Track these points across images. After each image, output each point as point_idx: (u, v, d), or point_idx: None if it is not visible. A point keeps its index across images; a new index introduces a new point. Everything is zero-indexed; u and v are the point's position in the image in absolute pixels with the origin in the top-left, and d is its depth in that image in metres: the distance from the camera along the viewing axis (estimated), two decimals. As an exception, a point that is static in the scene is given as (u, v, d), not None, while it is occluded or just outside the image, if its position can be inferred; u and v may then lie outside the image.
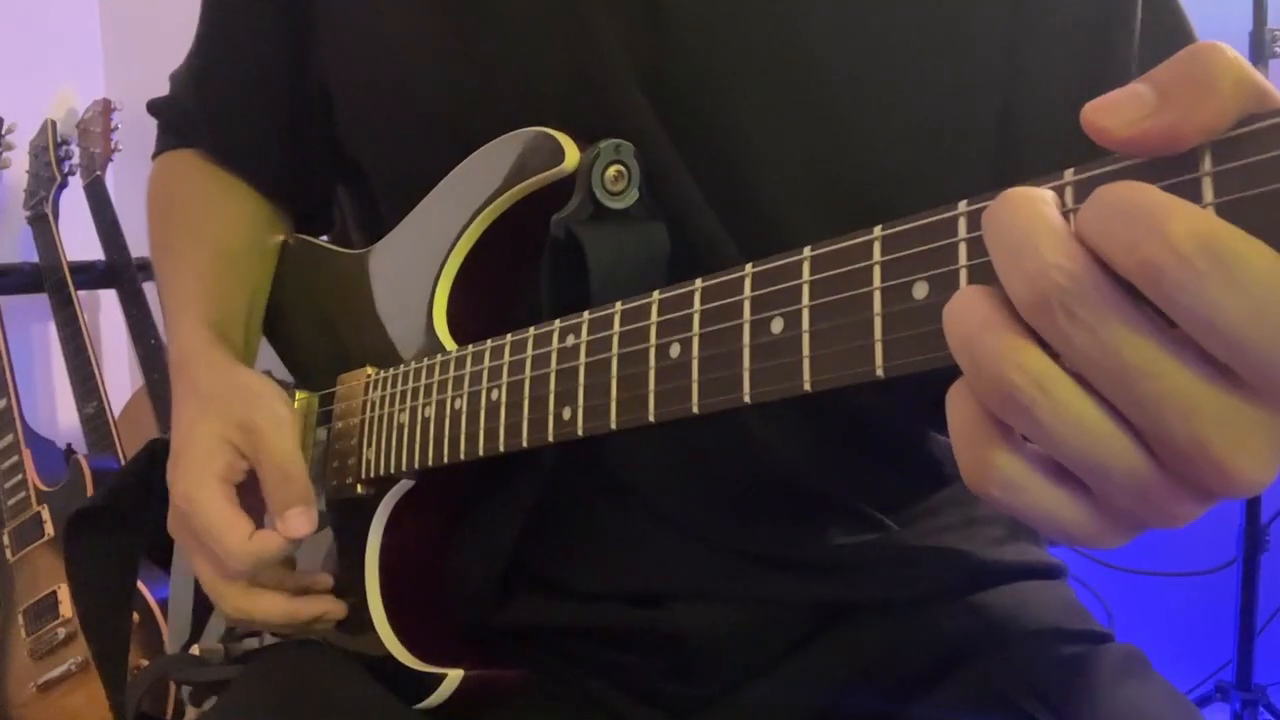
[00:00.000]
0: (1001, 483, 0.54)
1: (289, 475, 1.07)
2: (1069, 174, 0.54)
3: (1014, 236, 0.51)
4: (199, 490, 1.07)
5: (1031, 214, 0.51)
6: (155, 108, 1.43)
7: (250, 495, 1.09)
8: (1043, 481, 0.54)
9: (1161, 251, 0.46)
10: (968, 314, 0.53)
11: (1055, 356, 0.51)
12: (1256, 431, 0.49)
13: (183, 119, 1.40)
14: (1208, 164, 0.48)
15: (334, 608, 1.11)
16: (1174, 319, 0.48)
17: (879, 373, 0.63)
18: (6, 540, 2.92)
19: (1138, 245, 0.47)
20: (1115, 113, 0.50)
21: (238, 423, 1.09)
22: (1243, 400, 0.48)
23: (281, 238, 1.35)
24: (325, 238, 1.38)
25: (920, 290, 0.61)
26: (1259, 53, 2.60)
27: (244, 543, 1.05)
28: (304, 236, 1.35)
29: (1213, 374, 0.48)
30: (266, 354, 1.33)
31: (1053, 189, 0.54)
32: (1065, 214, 0.53)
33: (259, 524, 1.07)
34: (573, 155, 0.95)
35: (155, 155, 1.43)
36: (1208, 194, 0.48)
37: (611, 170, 0.95)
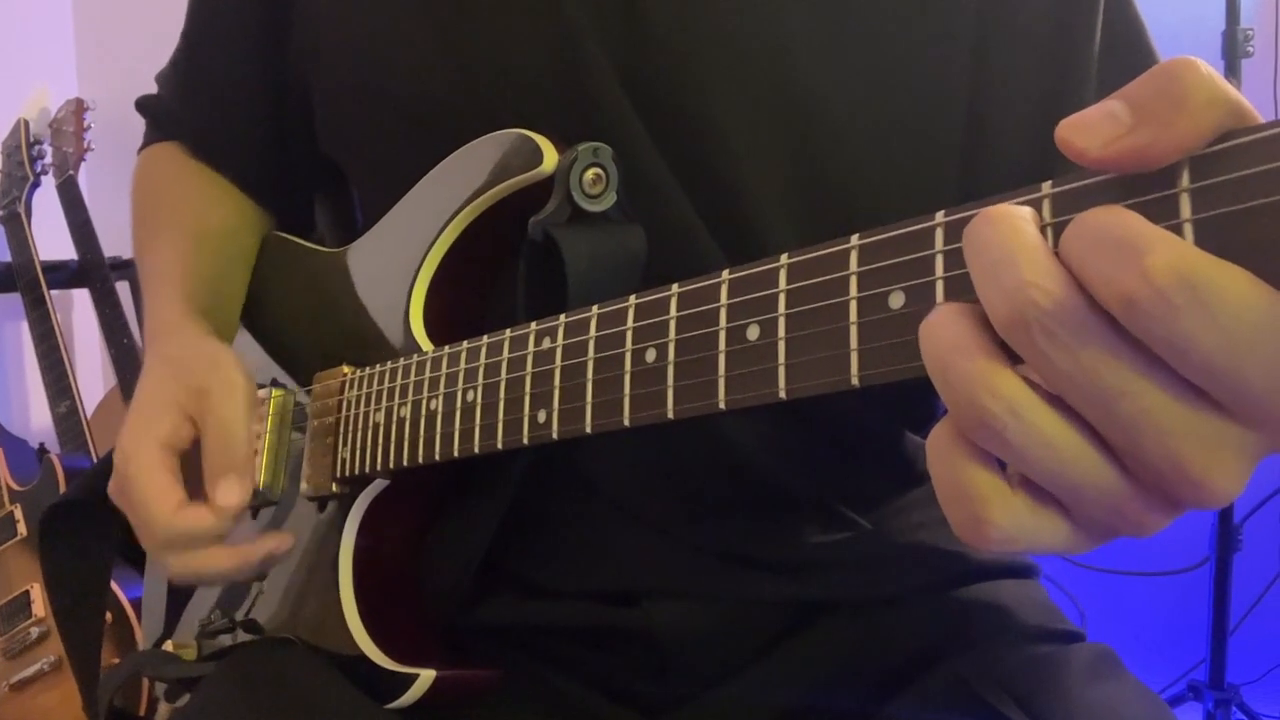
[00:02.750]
0: (1000, 520, 0.54)
1: (229, 442, 1.06)
2: (1047, 187, 0.54)
3: (993, 253, 0.51)
4: (137, 454, 1.06)
5: (1011, 231, 0.51)
6: (142, 105, 1.43)
7: (196, 465, 1.08)
8: (1036, 509, 0.54)
9: (1139, 285, 0.47)
10: (942, 336, 0.53)
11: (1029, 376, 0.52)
12: (1229, 446, 0.49)
13: (167, 117, 1.40)
14: (1185, 180, 0.49)
15: (279, 542, 1.10)
16: (1150, 346, 0.48)
17: (854, 381, 0.64)
18: (-22, 540, 2.91)
19: (1115, 277, 0.47)
20: (1090, 132, 0.50)
21: (189, 386, 1.08)
22: (1216, 418, 0.49)
23: (263, 230, 1.35)
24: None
25: (897, 300, 0.61)
26: (1232, 52, 2.61)
27: (168, 516, 1.04)
28: (282, 234, 1.35)
29: (1188, 394, 0.49)
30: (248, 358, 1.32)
31: (1030, 202, 0.54)
32: (1043, 228, 0.53)
33: (202, 495, 1.06)
34: (551, 158, 0.95)
35: (141, 149, 1.43)
36: (1185, 210, 0.48)
37: (590, 173, 0.95)
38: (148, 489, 1.05)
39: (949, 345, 0.53)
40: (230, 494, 1.04)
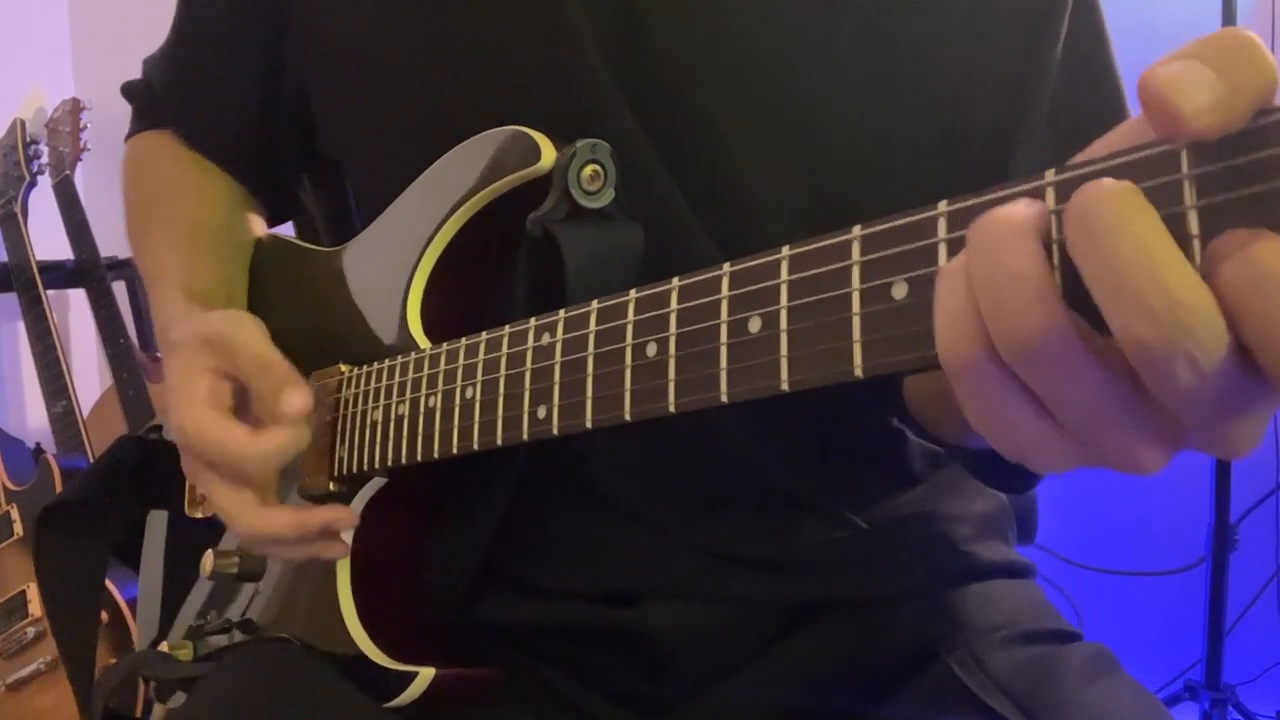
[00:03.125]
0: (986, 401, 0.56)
1: (267, 364, 1.04)
2: (1050, 174, 0.54)
3: (1145, 273, 0.48)
4: (189, 415, 1.04)
5: (1168, 254, 0.49)
6: (129, 91, 1.42)
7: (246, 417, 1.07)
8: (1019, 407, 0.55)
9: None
10: (1009, 259, 0.52)
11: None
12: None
13: (155, 103, 1.39)
14: (1185, 166, 0.49)
15: (343, 515, 1.07)
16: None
17: (858, 373, 0.63)
18: (-25, 540, 2.91)
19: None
20: (1187, 95, 0.47)
21: (205, 341, 1.07)
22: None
23: (253, 217, 1.35)
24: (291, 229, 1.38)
25: (900, 291, 0.61)
26: (1228, 53, 2.61)
27: (249, 444, 1.02)
28: (278, 234, 1.34)
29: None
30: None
31: (1033, 190, 0.54)
32: (1051, 214, 0.53)
33: None
34: (549, 154, 0.95)
35: (129, 137, 1.43)
36: (1189, 197, 0.48)
37: (588, 170, 0.95)
38: (217, 435, 1.03)
39: (1013, 278, 0.52)
40: (294, 400, 1.01)
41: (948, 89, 1.01)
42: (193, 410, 1.05)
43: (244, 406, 1.07)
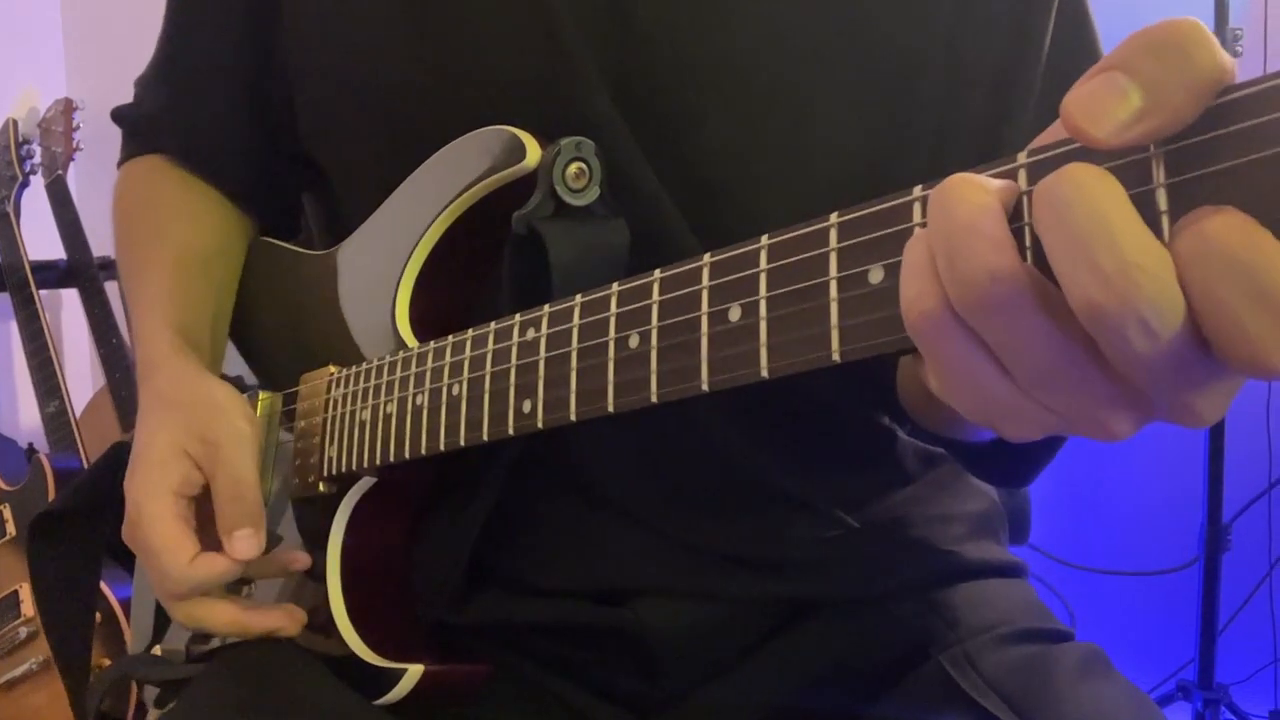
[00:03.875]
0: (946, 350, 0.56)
1: (242, 495, 1.07)
2: (1022, 157, 0.54)
3: (1079, 229, 0.49)
4: (149, 503, 1.07)
5: (1120, 211, 0.49)
6: (119, 115, 1.41)
7: (205, 511, 1.09)
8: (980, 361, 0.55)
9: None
10: (974, 227, 0.52)
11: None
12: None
13: (148, 124, 1.38)
14: (1153, 144, 0.49)
15: (287, 623, 1.10)
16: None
17: (835, 358, 0.64)
18: (-33, 540, 2.91)
19: (1253, 331, 0.46)
20: (1103, 116, 0.48)
21: (199, 436, 1.08)
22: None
23: (247, 242, 1.34)
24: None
25: (876, 275, 0.61)
26: (1221, 52, 2.62)
27: (184, 567, 1.04)
28: (267, 239, 1.34)
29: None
30: (234, 359, 1.32)
31: (1006, 172, 0.55)
32: (1023, 195, 0.53)
33: (211, 539, 1.07)
34: (534, 152, 0.95)
35: (121, 163, 1.42)
36: (1159, 175, 0.49)
37: (573, 167, 0.95)
38: (162, 540, 1.06)
39: (979, 246, 0.52)
40: (247, 549, 1.06)
41: (936, 85, 1.01)
42: (157, 491, 1.08)
43: (208, 500, 1.09)
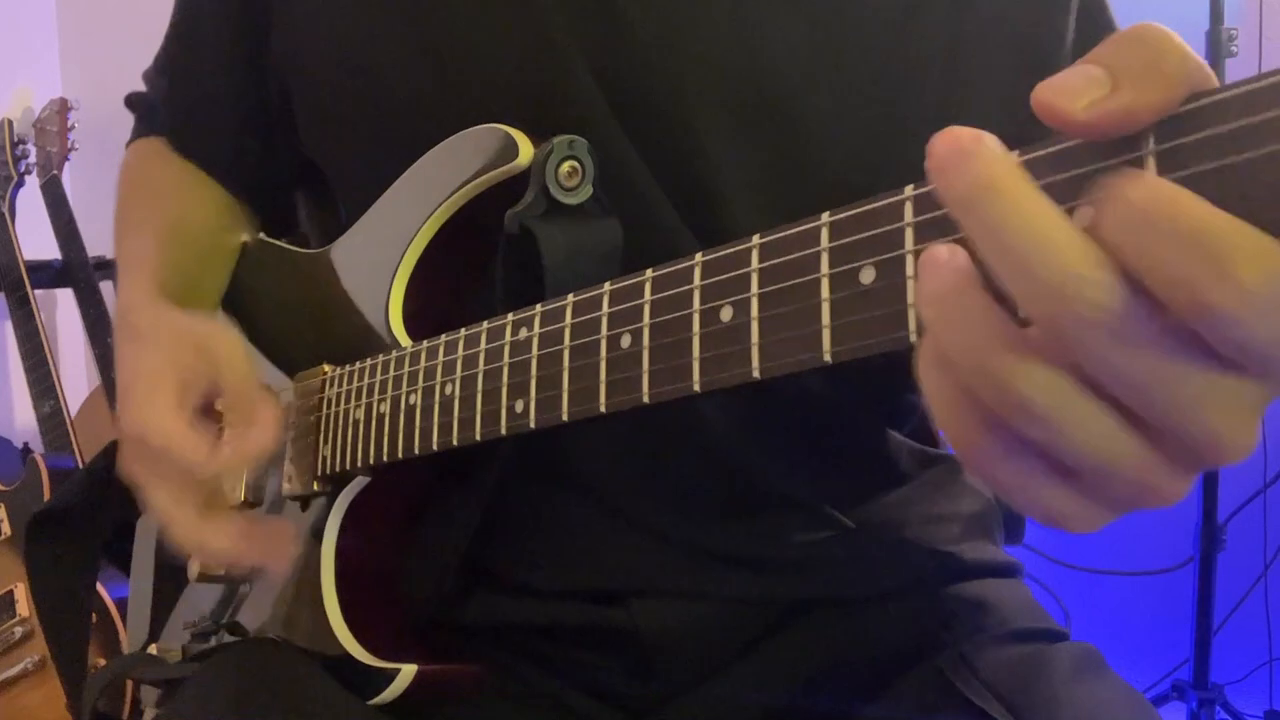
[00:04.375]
0: (1004, 475, 0.55)
1: (252, 388, 1.06)
2: (1015, 155, 0.54)
3: (1021, 241, 0.49)
4: (152, 412, 1.05)
5: (1034, 213, 0.49)
6: (131, 101, 1.44)
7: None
8: (1042, 477, 0.54)
9: (1226, 297, 0.45)
10: (969, 329, 0.52)
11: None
12: (1249, 405, 0.49)
13: (151, 111, 1.40)
14: (1151, 143, 0.49)
15: (285, 530, 1.10)
16: (1215, 348, 0.47)
17: (827, 358, 0.63)
18: (-37, 540, 2.91)
19: (1189, 282, 0.46)
20: (1071, 95, 0.49)
21: (193, 345, 1.08)
22: (1241, 381, 0.49)
23: (244, 228, 1.35)
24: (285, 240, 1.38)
25: (868, 275, 0.61)
26: (1216, 52, 2.63)
27: (205, 459, 1.02)
28: (262, 237, 1.34)
29: (1221, 367, 0.48)
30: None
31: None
32: None
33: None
34: (527, 151, 0.95)
35: (130, 142, 1.43)
36: (1151, 173, 0.48)
37: (565, 166, 0.95)
38: (177, 438, 1.03)
39: (980, 342, 0.51)
40: (270, 409, 1.04)
41: (935, 88, 1.01)
42: (155, 407, 1.05)
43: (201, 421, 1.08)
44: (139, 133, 1.44)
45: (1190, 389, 0.48)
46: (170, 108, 1.37)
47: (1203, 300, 0.45)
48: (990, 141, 0.51)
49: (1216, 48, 2.62)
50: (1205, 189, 0.47)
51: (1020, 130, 0.53)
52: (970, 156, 0.50)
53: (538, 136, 0.96)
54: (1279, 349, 0.46)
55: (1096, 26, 1.06)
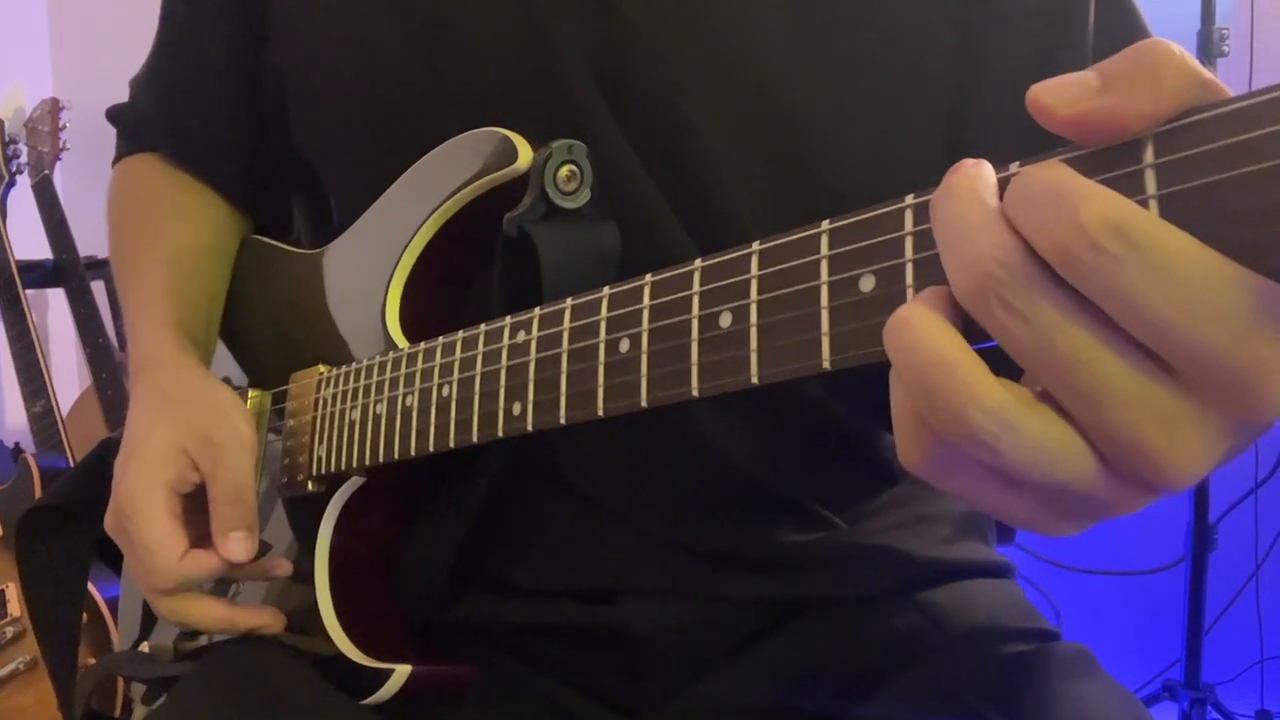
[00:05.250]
0: (958, 487, 0.55)
1: (240, 498, 1.07)
2: (1014, 166, 0.54)
3: (953, 226, 0.53)
4: (144, 495, 1.07)
5: (970, 202, 0.52)
6: (114, 114, 1.42)
7: (195, 507, 1.09)
8: (997, 488, 0.54)
9: (1074, 236, 0.47)
10: (919, 350, 0.53)
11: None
12: (1188, 423, 0.49)
13: (142, 122, 1.39)
14: (1149, 156, 0.49)
15: (271, 620, 1.11)
16: (1099, 305, 0.48)
17: (825, 365, 0.64)
18: (-46, 540, 2.90)
19: (1051, 230, 0.48)
20: (1059, 92, 0.51)
21: (200, 435, 1.09)
22: (1176, 394, 0.49)
23: (239, 240, 1.34)
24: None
25: (867, 283, 0.61)
26: (1207, 51, 2.63)
27: (174, 562, 1.05)
28: (259, 237, 1.34)
29: (1147, 365, 0.49)
30: (223, 358, 1.32)
31: (998, 182, 0.54)
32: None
33: (199, 535, 1.08)
34: (525, 155, 0.96)
35: (115, 162, 1.42)
36: (1150, 186, 0.49)
37: (564, 170, 0.95)
38: (155, 533, 1.06)
39: (927, 359, 0.52)
40: (240, 549, 1.06)
41: (937, 84, 1.01)
42: (152, 483, 1.08)
43: (197, 499, 1.10)
44: (127, 149, 1.43)
45: (1107, 376, 0.49)
46: (167, 120, 1.36)
47: (1062, 245, 0.48)
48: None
49: (1208, 47, 2.62)
50: (1194, 205, 0.47)
51: (1032, 129, 0.53)
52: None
53: (536, 139, 0.97)
54: (1163, 312, 0.47)
55: (1117, 17, 1.06)
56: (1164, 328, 0.47)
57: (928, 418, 0.53)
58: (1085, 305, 0.49)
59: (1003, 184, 0.54)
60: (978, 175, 0.53)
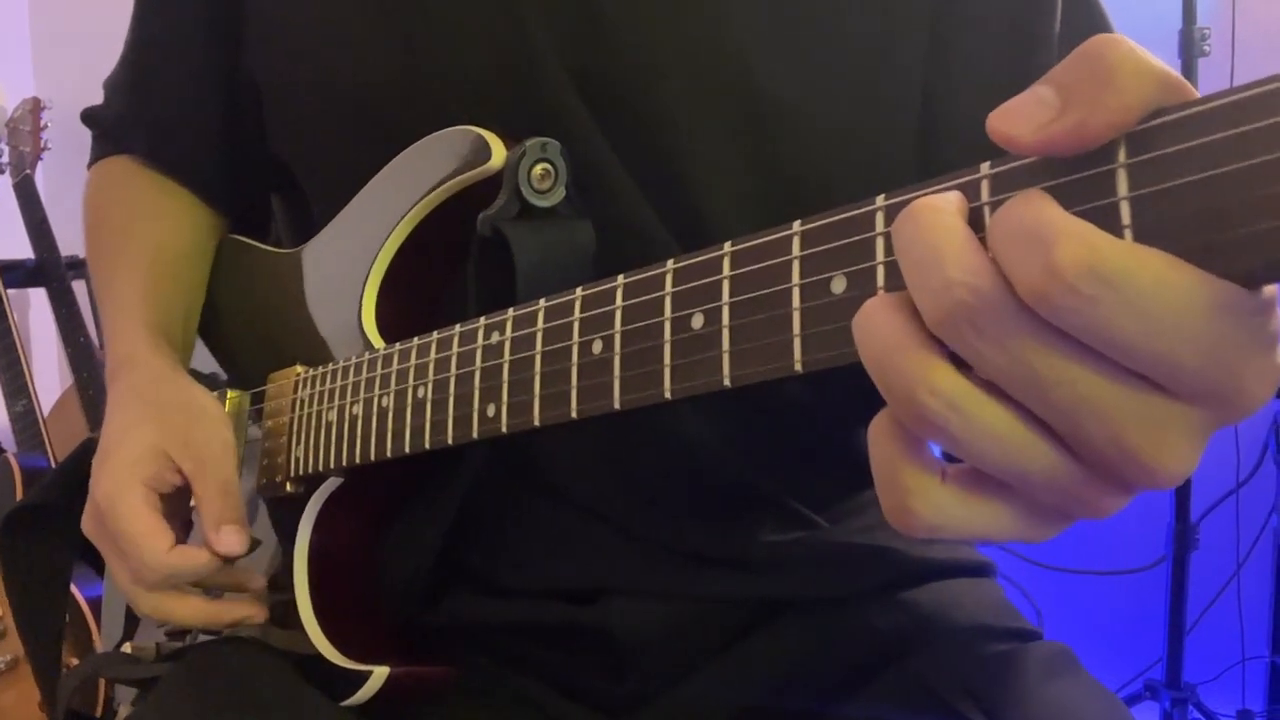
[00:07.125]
0: (923, 511, 0.55)
1: (229, 491, 1.07)
2: (985, 167, 0.54)
3: (920, 251, 0.51)
4: (122, 493, 1.06)
5: (934, 227, 0.51)
6: (89, 116, 1.41)
7: (171, 511, 1.09)
8: (967, 500, 0.54)
9: (1047, 280, 0.47)
10: (875, 333, 0.53)
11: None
12: (1173, 425, 0.49)
13: (117, 124, 1.38)
14: (1122, 156, 0.48)
15: (255, 611, 1.10)
16: (1076, 337, 0.48)
17: (797, 367, 0.63)
18: (-66, 540, 2.89)
19: (1026, 272, 0.47)
20: (1020, 119, 0.50)
21: (180, 437, 1.08)
22: (1157, 398, 0.48)
23: (217, 240, 1.34)
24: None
25: (839, 285, 0.61)
26: (1189, 51, 2.63)
27: (162, 555, 1.04)
28: (236, 236, 1.34)
29: (1126, 376, 0.48)
30: (203, 356, 1.32)
31: (970, 183, 0.54)
32: (981, 207, 0.53)
33: (178, 538, 1.07)
34: (499, 153, 0.95)
35: (90, 164, 1.42)
36: (1122, 187, 0.48)
37: (538, 168, 0.95)
38: (138, 528, 1.05)
39: (883, 343, 0.52)
40: (235, 543, 1.05)
41: (912, 85, 1.01)
42: (130, 481, 1.07)
43: (173, 501, 1.10)
44: (103, 151, 1.42)
45: (1085, 393, 0.49)
46: (143, 122, 1.35)
47: (1036, 289, 0.47)
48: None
49: (1189, 47, 2.63)
50: (1167, 207, 0.47)
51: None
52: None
53: (512, 137, 0.96)
54: (1143, 343, 0.46)
55: (1083, 14, 1.06)
56: (1144, 356, 0.46)
57: (888, 402, 0.54)
58: (1060, 331, 0.48)
59: (974, 185, 0.54)
60: (940, 201, 0.53)
